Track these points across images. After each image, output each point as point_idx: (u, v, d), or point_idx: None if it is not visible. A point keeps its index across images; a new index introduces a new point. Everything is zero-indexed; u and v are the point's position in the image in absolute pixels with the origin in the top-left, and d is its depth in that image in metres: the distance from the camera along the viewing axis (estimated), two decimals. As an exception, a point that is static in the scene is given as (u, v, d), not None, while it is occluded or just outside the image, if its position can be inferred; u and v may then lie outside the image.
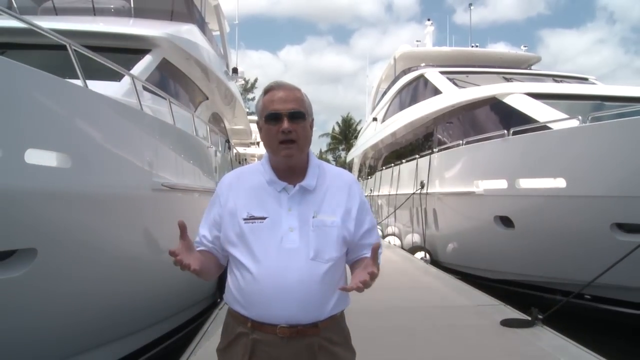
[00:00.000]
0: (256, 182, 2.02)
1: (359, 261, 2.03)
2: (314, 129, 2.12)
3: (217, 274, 2.11)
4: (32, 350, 4.13)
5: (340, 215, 1.98)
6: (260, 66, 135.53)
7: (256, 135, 27.07)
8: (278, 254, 1.88)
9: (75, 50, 4.16)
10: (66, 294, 4.14)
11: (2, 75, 3.21)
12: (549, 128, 8.16)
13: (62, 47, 4.17)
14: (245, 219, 1.93)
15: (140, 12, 9.29)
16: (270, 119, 1.93)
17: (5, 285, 3.55)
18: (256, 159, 25.62)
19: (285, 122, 1.90)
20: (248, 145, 23.76)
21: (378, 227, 17.73)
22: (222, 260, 2.09)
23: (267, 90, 2.00)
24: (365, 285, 1.78)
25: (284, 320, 1.88)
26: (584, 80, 14.03)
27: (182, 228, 1.86)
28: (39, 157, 3.44)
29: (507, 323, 5.83)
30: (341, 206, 2.00)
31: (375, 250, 1.83)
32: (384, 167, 19.78)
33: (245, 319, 1.94)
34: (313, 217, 1.94)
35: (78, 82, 4.05)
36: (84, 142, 3.97)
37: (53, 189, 3.62)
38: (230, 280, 2.01)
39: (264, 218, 1.92)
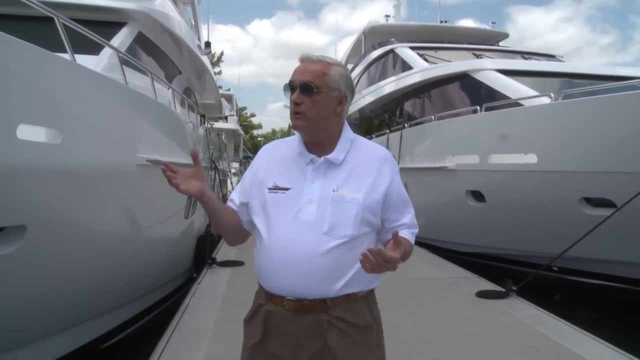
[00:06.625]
0: (288, 152, 2.04)
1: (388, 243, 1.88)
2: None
3: (236, 233, 2.12)
4: (19, 326, 4.12)
5: (363, 193, 1.90)
6: (229, 40, 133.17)
7: (225, 109, 26.73)
8: (291, 225, 1.88)
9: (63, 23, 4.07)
10: (55, 270, 4.13)
11: None
12: (521, 105, 8.37)
13: (42, 19, 4.05)
14: (270, 189, 1.96)
15: (114, -16, 9.01)
16: (287, 89, 1.96)
17: None
18: (224, 134, 25.08)
19: (295, 94, 1.92)
20: (216, 119, 23.37)
21: None
22: (245, 224, 2.11)
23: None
24: (370, 264, 1.65)
25: (289, 292, 1.87)
26: (551, 57, 14.28)
27: (194, 156, 1.98)
28: (27, 133, 3.39)
29: (483, 294, 6.05)
30: (367, 183, 1.93)
31: (395, 235, 1.73)
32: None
33: (262, 290, 2.00)
34: (333, 191, 1.89)
35: (65, 56, 3.97)
36: (70, 118, 3.90)
37: (41, 166, 3.58)
38: (255, 251, 2.04)
39: (287, 189, 1.94)
